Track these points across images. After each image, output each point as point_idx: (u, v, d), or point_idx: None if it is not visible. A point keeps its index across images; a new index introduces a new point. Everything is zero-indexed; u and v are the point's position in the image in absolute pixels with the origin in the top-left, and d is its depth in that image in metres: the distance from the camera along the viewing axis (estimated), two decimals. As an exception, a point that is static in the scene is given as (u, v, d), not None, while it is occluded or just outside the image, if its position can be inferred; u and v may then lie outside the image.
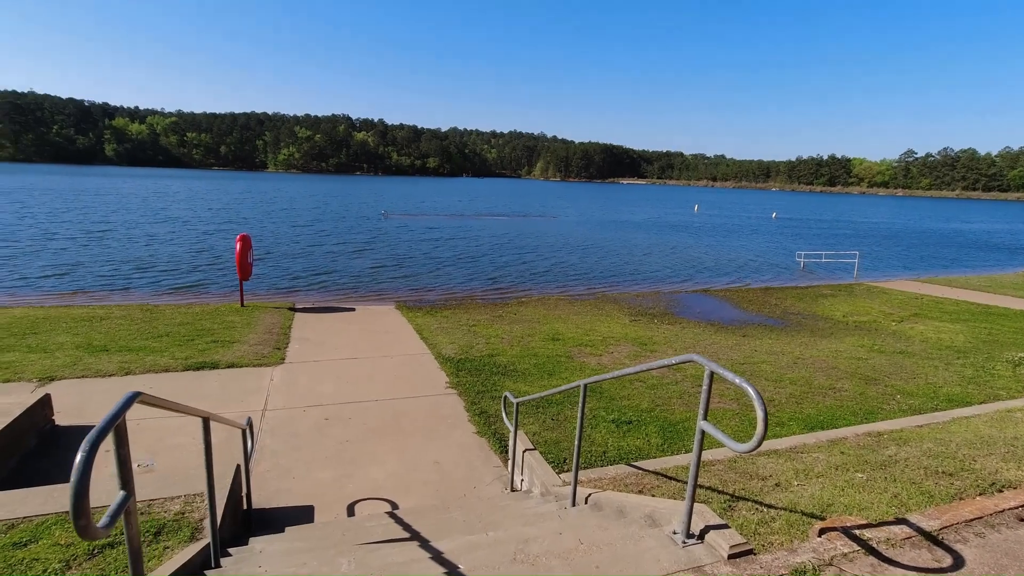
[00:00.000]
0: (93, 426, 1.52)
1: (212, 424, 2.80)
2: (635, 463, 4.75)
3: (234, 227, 29.95)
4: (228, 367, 7.57)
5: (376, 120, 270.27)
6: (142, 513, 3.25)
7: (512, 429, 4.94)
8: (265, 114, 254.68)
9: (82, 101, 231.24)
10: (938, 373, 8.83)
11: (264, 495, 4.59)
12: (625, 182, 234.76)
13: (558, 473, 4.64)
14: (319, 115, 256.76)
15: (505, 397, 5.06)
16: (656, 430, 6.27)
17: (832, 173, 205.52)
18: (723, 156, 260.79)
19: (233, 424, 3.71)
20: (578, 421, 3.70)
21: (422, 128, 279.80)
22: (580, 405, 3.66)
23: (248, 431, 4.17)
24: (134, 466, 2.76)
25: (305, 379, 7.30)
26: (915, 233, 44.62)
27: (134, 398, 1.77)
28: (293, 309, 11.57)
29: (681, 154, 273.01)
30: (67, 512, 2.60)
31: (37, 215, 31.77)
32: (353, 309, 12.03)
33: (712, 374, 2.56)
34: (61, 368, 7.09)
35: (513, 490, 4.97)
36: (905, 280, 18.37)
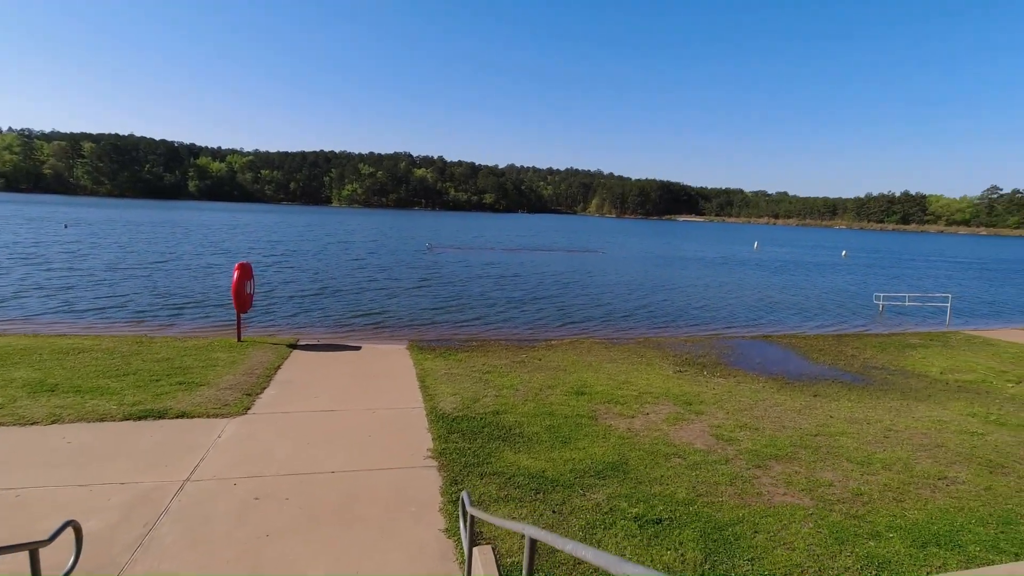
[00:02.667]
0: None
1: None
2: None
3: (286, 259, 30.00)
4: (178, 416, 6.40)
5: (436, 157, 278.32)
6: None
7: (467, 547, 3.39)
8: (332, 152, 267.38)
9: (172, 142, 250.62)
10: (1086, 458, 6.60)
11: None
12: (682, 219, 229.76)
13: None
14: (382, 153, 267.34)
15: (462, 500, 3.52)
16: (695, 536, 4.55)
17: (906, 210, 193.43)
18: (785, 193, 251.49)
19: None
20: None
21: (479, 165, 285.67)
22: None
23: (76, 539, 2.85)
24: None
25: (261, 437, 6.01)
26: (1011, 273, 39.84)
27: None
28: (293, 346, 10.47)
29: (741, 191, 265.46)
30: None
31: (110, 245, 33.04)
32: (358, 348, 10.82)
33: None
34: (-18, 413, 6.11)
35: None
36: (1013, 329, 15.55)
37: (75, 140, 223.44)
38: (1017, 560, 4.44)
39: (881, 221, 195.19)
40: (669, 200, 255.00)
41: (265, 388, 7.73)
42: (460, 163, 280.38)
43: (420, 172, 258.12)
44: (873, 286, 29.46)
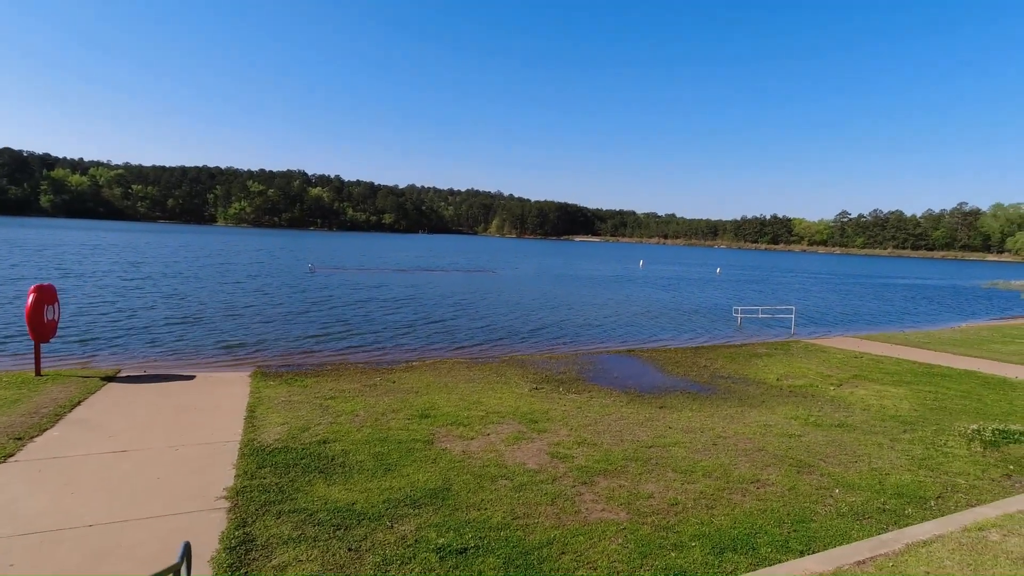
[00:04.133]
0: None
1: None
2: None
3: (150, 282, 27.10)
4: (-95, 472, 5.22)
5: (333, 176, 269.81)
6: None
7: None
8: (218, 168, 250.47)
9: (20, 151, 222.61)
10: (883, 453, 7.23)
11: None
12: (579, 239, 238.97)
13: None
14: (274, 170, 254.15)
15: (187, 546, 2.97)
16: (498, 563, 4.31)
17: (775, 232, 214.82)
18: (674, 215, 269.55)
19: None
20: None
21: (379, 184, 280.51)
22: None
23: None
24: None
25: (12, 489, 5.02)
26: (854, 286, 45.15)
27: None
28: (110, 378, 9.19)
29: (634, 212, 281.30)
30: None
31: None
32: (192, 377, 9.73)
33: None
34: None
35: None
36: (843, 336, 17.29)
37: None
38: (801, 556, 4.61)
39: (755, 241, 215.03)
40: (567, 221, 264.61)
41: (47, 430, 6.59)
42: (359, 182, 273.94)
43: (315, 191, 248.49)
44: (740, 299, 31.94)
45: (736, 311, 20.98)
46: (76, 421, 6.99)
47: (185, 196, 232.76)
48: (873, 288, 46.67)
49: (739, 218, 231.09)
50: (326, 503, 5.13)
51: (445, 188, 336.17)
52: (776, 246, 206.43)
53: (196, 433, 6.75)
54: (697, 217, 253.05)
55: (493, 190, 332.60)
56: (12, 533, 4.31)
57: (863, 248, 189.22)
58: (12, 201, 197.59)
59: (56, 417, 7.05)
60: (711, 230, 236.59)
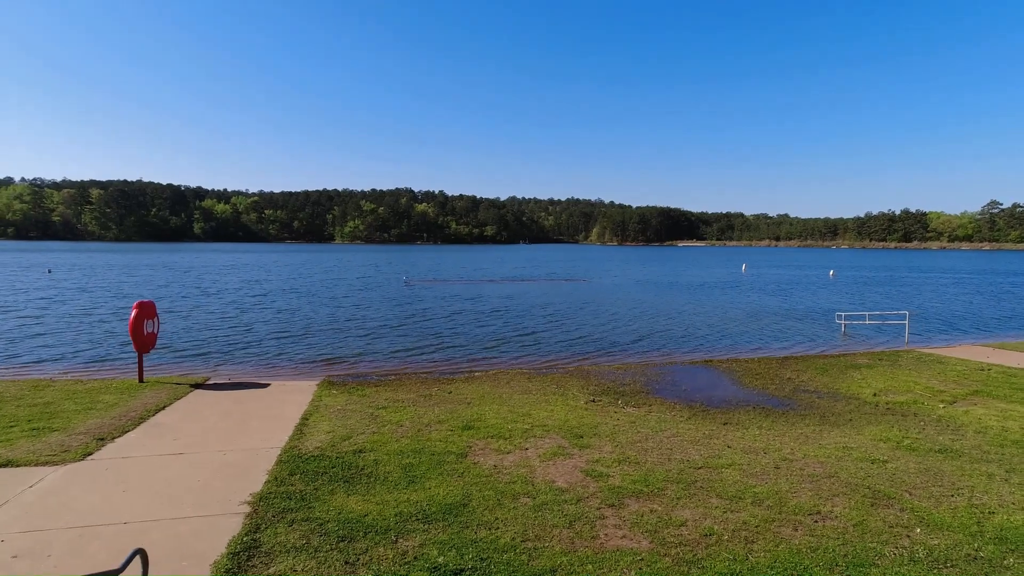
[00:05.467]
0: None
1: None
2: None
3: (268, 298, 29.87)
4: (1, 465, 6.01)
5: (437, 192, 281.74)
6: None
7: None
8: (335, 190, 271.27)
9: (178, 186, 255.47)
10: (993, 487, 6.06)
11: None
12: (682, 244, 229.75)
13: None
14: (383, 189, 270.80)
15: (136, 553, 3.06)
16: (491, 591, 4.07)
17: (907, 228, 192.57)
18: (787, 215, 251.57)
19: None
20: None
21: (481, 198, 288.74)
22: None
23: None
24: None
25: (77, 486, 5.60)
26: (1000, 287, 38.91)
27: None
28: (197, 385, 10.10)
29: (741, 215, 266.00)
30: None
31: (94, 289, 33.14)
32: (267, 384, 10.43)
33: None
34: None
35: None
36: (970, 345, 14.90)
37: (84, 188, 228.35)
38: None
39: (883, 240, 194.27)
40: (669, 226, 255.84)
41: (128, 431, 7.33)
42: (461, 197, 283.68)
43: (421, 207, 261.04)
44: (857, 304, 28.82)
45: (839, 317, 18.87)
46: (154, 424, 7.72)
47: (308, 218, 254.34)
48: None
49: (863, 215, 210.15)
50: (340, 513, 5.19)
51: (545, 198, 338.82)
52: (908, 244, 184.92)
53: (247, 438, 7.17)
54: (813, 216, 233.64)
55: (593, 198, 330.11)
56: (62, 526, 4.78)
57: (1020, 243, 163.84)
58: (172, 229, 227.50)
59: (140, 420, 7.83)
60: (830, 230, 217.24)
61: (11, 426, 7.39)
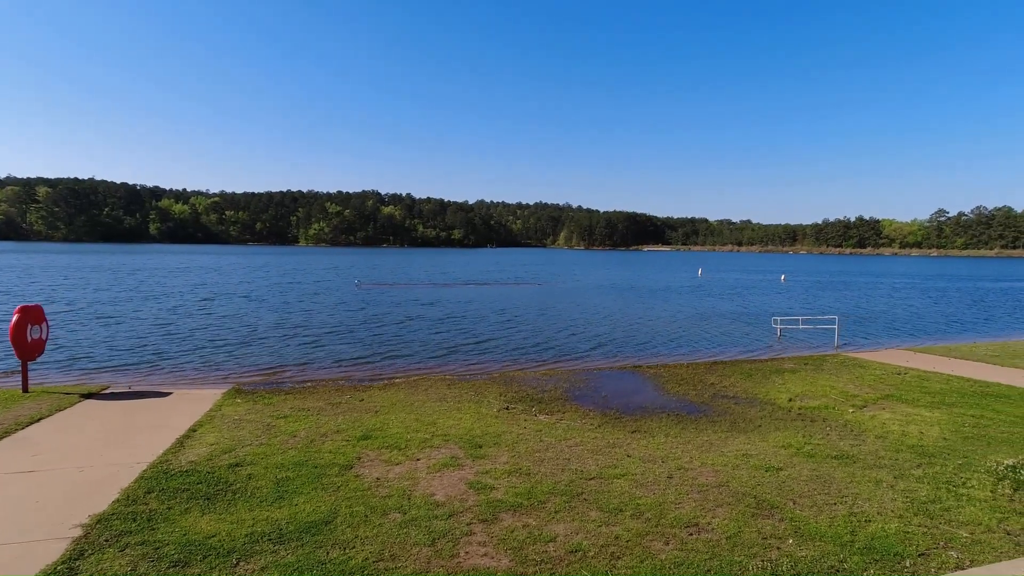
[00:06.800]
0: None
1: None
2: None
3: (217, 302, 28.77)
4: None
5: (404, 194, 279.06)
6: None
7: None
8: (300, 192, 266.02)
9: (133, 185, 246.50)
10: (878, 494, 6.03)
11: None
12: (647, 249, 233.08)
13: None
14: (350, 191, 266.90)
15: None
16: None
17: (862, 235, 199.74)
18: (749, 221, 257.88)
19: None
20: None
21: (448, 201, 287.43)
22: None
23: None
24: None
25: None
26: (945, 292, 40.37)
27: None
28: (90, 395, 9.47)
29: (706, 220, 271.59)
30: None
31: (27, 294, 31.40)
32: (169, 394, 9.86)
33: None
34: None
35: None
36: (894, 349, 15.26)
37: (29, 185, 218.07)
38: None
39: (839, 245, 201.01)
40: (636, 231, 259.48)
41: (-15, 447, 6.74)
42: (429, 200, 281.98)
43: (388, 210, 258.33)
44: (802, 307, 29.46)
45: (776, 321, 19.17)
46: (19, 439, 7.14)
47: (271, 219, 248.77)
48: (974, 293, 41.77)
49: (820, 222, 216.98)
50: (185, 535, 4.79)
51: (514, 202, 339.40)
52: (863, 250, 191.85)
53: (118, 453, 6.68)
54: (774, 223, 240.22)
55: (562, 202, 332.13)
56: None
57: (965, 249, 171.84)
58: (127, 230, 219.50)
59: (3, 435, 7.22)
60: (789, 235, 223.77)
61: None
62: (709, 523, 5.28)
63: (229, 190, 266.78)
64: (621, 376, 11.91)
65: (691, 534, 5.08)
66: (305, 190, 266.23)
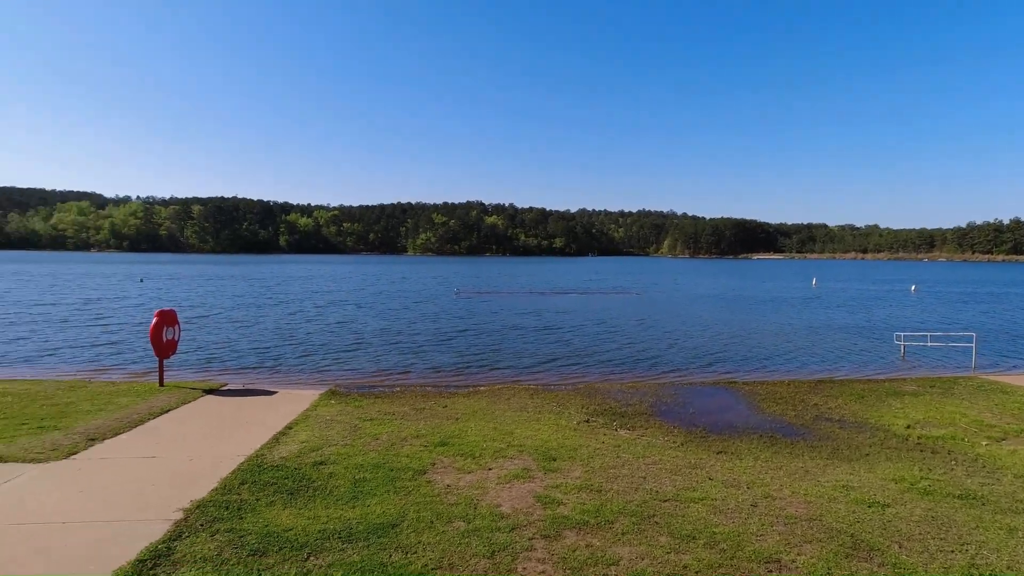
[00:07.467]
0: None
1: None
2: None
3: (328, 308, 31.21)
4: (-6, 461, 6.49)
5: (507, 204, 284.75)
6: None
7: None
8: (408, 203, 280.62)
9: (267, 201, 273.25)
10: (1010, 544, 5.19)
11: None
12: (757, 257, 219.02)
13: None
14: (455, 202, 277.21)
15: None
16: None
17: (1017, 239, 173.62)
18: (876, 226, 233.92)
19: None
20: None
21: (550, 210, 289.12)
22: None
23: None
24: None
25: (42, 484, 5.94)
26: None
27: None
28: (209, 391, 10.57)
29: (824, 226, 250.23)
30: None
31: (176, 300, 35.93)
32: (275, 392, 10.75)
33: None
34: None
35: None
36: (1052, 374, 13.03)
37: (187, 204, 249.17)
38: None
39: (988, 252, 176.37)
40: (744, 238, 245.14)
41: (121, 433, 7.74)
42: (531, 209, 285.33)
43: (491, 219, 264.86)
44: (934, 324, 26.17)
45: (898, 337, 17.08)
46: (148, 428, 8.11)
47: (382, 230, 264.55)
48: None
49: (964, 225, 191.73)
50: (266, 526, 5.17)
51: (616, 210, 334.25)
52: (1019, 257, 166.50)
53: (223, 445, 7.37)
54: (906, 227, 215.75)
55: (665, 209, 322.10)
56: (4, 523, 5.04)
57: None
58: (261, 241, 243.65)
59: (138, 423, 8.25)
60: (925, 241, 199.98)
61: (23, 424, 8.01)
62: (793, 561, 4.81)
63: (347, 203, 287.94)
64: (712, 392, 11.23)
65: (770, 571, 4.65)
66: (414, 202, 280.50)
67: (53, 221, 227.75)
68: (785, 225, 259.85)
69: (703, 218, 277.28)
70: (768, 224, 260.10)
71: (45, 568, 4.33)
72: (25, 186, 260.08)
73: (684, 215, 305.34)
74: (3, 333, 19.83)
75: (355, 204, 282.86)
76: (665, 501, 6.00)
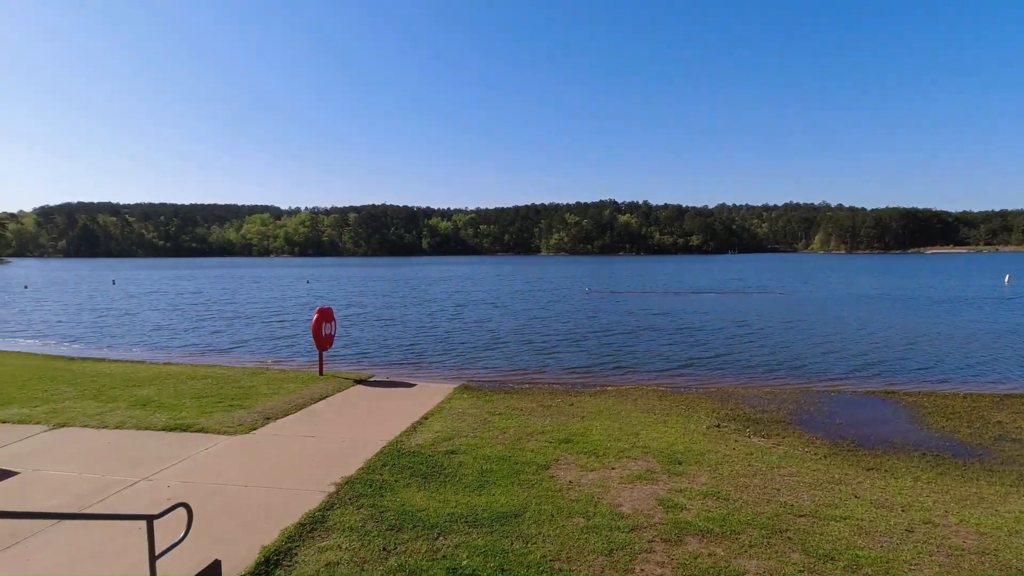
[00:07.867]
0: None
1: None
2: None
3: (466, 308, 33.15)
4: (197, 431, 7.89)
5: (641, 202, 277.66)
6: None
7: None
8: (542, 204, 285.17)
9: (412, 207, 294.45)
10: None
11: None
12: (931, 251, 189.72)
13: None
14: (587, 201, 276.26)
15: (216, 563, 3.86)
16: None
17: None
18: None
19: None
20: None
21: (686, 206, 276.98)
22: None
23: (188, 517, 3.73)
24: None
25: (233, 452, 7.10)
26: None
27: None
28: (359, 381, 11.78)
29: (1022, 212, 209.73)
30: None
31: (337, 298, 40.40)
32: (414, 385, 11.68)
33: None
34: (80, 417, 8.35)
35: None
36: None
37: (344, 213, 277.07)
38: None
39: None
40: (915, 230, 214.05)
41: (289, 414, 8.96)
42: (666, 206, 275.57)
43: (624, 218, 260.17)
44: None
45: None
46: (310, 411, 9.28)
47: (517, 231, 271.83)
48: None
49: None
50: (403, 505, 5.71)
51: (759, 204, 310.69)
52: None
53: (369, 430, 8.21)
54: None
55: (817, 201, 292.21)
56: (206, 481, 6.14)
57: None
58: (406, 244, 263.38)
59: (302, 407, 9.48)
60: None
61: (218, 402, 9.59)
62: (953, 596, 4.26)
63: (483, 206, 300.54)
64: (865, 402, 10.09)
65: (924, 604, 4.17)
66: (547, 203, 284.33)
67: (242, 232, 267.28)
68: (970, 213, 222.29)
69: (863, 209, 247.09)
70: (947, 213, 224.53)
71: (232, 522, 5.22)
72: (223, 203, 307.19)
73: (839, 206, 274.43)
74: (207, 328, 23.77)
75: (491, 207, 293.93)
76: (801, 516, 5.59)
